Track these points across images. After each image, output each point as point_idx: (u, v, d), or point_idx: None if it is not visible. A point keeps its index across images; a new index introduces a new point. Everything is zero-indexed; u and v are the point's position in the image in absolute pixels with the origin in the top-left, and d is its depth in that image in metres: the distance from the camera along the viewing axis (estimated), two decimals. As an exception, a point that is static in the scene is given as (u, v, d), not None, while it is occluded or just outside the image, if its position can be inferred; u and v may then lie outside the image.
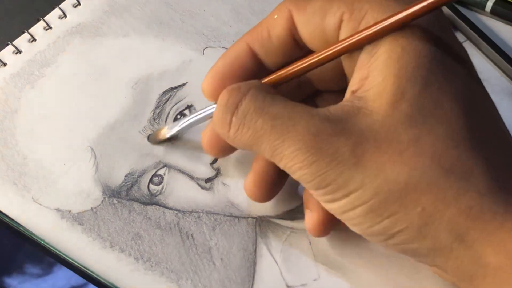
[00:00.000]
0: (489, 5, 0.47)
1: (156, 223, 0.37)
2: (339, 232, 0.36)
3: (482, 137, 0.28)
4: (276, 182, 0.35)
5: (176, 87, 0.42)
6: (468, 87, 0.29)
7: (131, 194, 0.38)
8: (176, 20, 0.46)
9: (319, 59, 0.31)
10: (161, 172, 0.39)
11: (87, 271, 0.35)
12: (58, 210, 0.37)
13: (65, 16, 0.46)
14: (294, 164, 0.29)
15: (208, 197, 0.38)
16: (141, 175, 0.39)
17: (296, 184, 0.37)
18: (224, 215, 0.37)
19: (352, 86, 0.30)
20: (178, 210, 0.37)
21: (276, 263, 0.35)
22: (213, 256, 0.35)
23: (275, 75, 0.32)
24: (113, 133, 0.40)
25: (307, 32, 0.32)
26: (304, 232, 0.36)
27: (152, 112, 0.41)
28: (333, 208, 0.29)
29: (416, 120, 0.28)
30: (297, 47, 0.33)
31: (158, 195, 0.38)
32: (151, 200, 0.38)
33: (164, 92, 0.42)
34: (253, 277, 0.35)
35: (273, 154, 0.29)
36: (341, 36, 0.31)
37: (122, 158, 0.39)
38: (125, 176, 0.39)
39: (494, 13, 0.47)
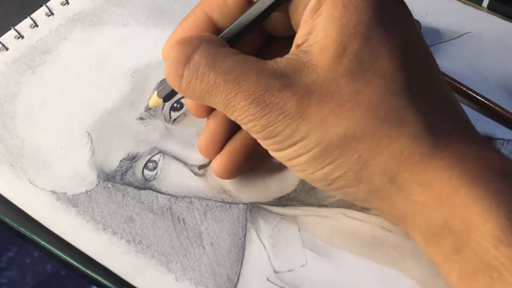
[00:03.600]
0: (486, 0, 0.47)
1: (148, 207, 0.37)
2: (327, 220, 0.36)
3: (418, 88, 0.31)
4: (225, 140, 0.37)
5: (173, 76, 0.43)
6: (407, 43, 0.31)
7: (125, 179, 0.39)
8: (176, 10, 0.47)
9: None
10: (155, 158, 0.39)
11: (89, 273, 0.35)
12: (53, 192, 0.38)
13: (67, 2, 0.47)
14: (246, 117, 0.31)
15: (200, 183, 0.38)
16: (136, 160, 0.39)
17: (288, 171, 0.38)
18: (216, 200, 0.38)
19: (297, 40, 0.32)
20: (171, 195, 0.38)
21: (265, 248, 0.36)
22: (203, 241, 0.36)
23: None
24: (110, 119, 0.41)
25: None
26: (294, 219, 0.37)
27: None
28: (280, 156, 0.32)
29: (357, 73, 0.30)
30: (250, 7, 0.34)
31: (152, 180, 0.38)
32: (145, 185, 0.38)
33: (161, 81, 0.43)
34: (242, 261, 0.35)
35: (226, 107, 0.31)
36: None
37: (118, 143, 0.40)
38: (120, 161, 0.39)
39: (491, 8, 0.47)
